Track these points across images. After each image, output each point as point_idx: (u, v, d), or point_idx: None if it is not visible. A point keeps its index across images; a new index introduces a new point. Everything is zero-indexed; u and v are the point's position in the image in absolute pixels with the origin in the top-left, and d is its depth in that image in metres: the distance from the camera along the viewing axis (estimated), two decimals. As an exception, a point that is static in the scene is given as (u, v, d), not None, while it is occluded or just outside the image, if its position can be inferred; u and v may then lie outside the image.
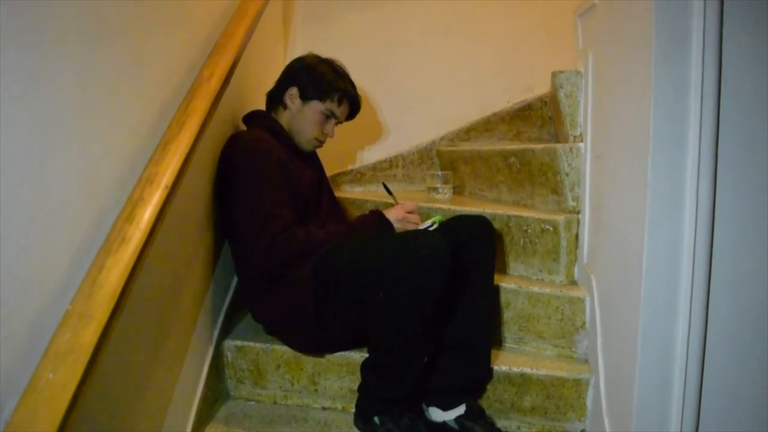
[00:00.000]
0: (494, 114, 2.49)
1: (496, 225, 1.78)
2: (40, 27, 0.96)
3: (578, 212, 1.69)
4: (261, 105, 1.83)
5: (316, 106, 1.72)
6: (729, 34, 1.02)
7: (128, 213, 1.11)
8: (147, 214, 1.12)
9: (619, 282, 1.32)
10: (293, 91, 1.73)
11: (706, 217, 1.05)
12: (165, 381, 1.36)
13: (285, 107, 1.75)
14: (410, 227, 1.65)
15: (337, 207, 1.90)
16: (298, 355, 1.62)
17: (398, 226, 1.65)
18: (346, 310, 1.49)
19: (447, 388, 1.53)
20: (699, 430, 1.10)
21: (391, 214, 1.65)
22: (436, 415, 1.52)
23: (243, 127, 1.79)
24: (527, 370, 1.55)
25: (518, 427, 1.57)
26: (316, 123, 1.73)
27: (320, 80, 1.72)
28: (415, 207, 1.71)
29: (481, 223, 1.63)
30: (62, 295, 0.98)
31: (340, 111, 1.76)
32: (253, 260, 1.55)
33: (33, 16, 0.94)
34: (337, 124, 1.79)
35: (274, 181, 1.56)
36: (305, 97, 1.72)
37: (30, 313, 0.93)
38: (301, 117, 1.73)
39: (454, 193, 2.21)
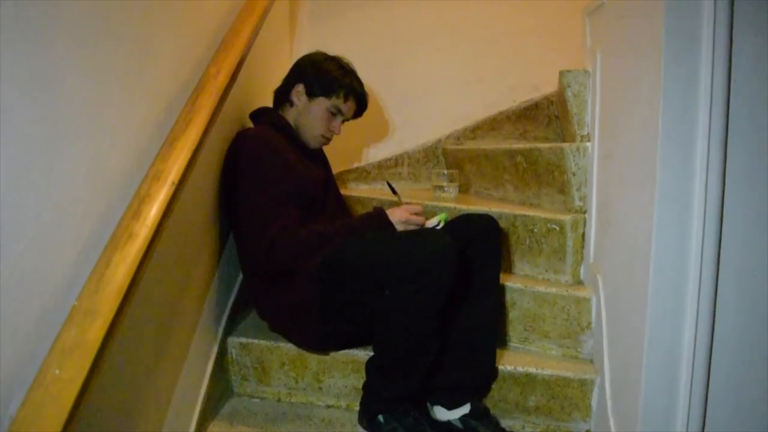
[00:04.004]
0: (500, 113, 2.48)
1: (502, 224, 1.77)
2: (49, 23, 0.96)
3: (585, 212, 1.69)
4: (267, 102, 1.83)
5: (322, 103, 1.72)
6: (739, 34, 1.01)
7: (135, 209, 1.12)
8: (154, 211, 1.13)
9: (625, 282, 1.31)
10: (299, 87, 1.73)
11: (714, 217, 1.04)
12: (170, 377, 1.36)
13: (292, 104, 1.75)
14: (413, 228, 1.62)
15: (343, 206, 1.89)
16: (303, 352, 1.62)
17: (400, 228, 1.60)
18: (352, 308, 1.49)
19: (452, 387, 1.53)
20: (705, 431, 1.09)
21: (395, 216, 1.60)
22: (441, 414, 1.52)
23: (250, 124, 1.79)
24: (532, 370, 1.55)
25: (523, 427, 1.57)
26: (323, 120, 1.73)
27: (326, 77, 1.72)
28: (420, 209, 1.66)
29: (487, 222, 1.62)
30: (69, 291, 0.99)
31: (347, 107, 1.76)
32: (255, 258, 1.55)
33: (41, 12, 0.94)
34: (344, 121, 1.78)
35: (279, 178, 1.56)
36: (311, 94, 1.72)
37: (36, 309, 0.93)
38: (308, 114, 1.73)
39: (459, 191, 2.21)
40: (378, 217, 1.61)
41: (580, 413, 1.53)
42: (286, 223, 1.50)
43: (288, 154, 1.62)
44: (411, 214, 1.62)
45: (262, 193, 1.53)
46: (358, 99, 1.78)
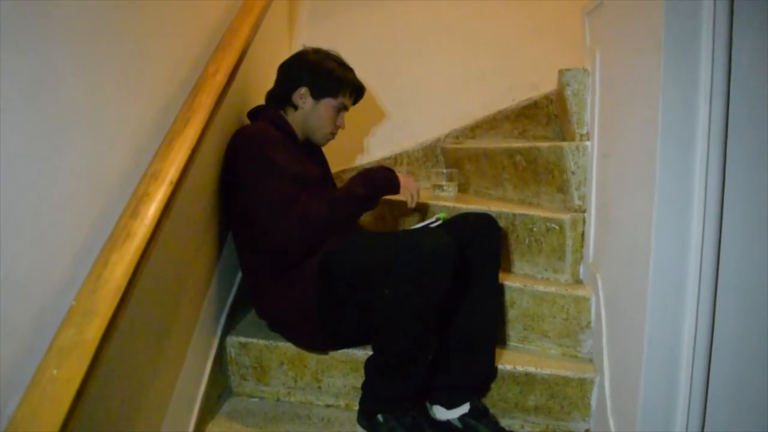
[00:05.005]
0: (500, 112, 2.47)
1: (502, 223, 1.77)
2: (47, 23, 0.96)
3: (584, 211, 1.69)
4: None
5: (329, 103, 1.73)
6: (738, 33, 1.01)
7: (133, 208, 1.11)
8: (152, 210, 1.12)
9: (625, 281, 1.31)
10: (302, 91, 1.71)
11: (713, 217, 1.04)
12: (168, 377, 1.36)
13: (296, 108, 1.74)
14: (407, 196, 1.73)
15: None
16: (302, 352, 1.62)
17: (402, 182, 1.71)
18: (351, 307, 1.49)
19: (451, 386, 1.53)
20: (704, 431, 1.09)
21: (402, 177, 1.72)
22: (440, 413, 1.52)
23: (248, 123, 1.79)
24: (531, 369, 1.55)
25: (522, 426, 1.57)
26: (331, 118, 1.75)
27: (329, 77, 1.72)
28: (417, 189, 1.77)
29: (486, 221, 1.62)
30: (66, 291, 0.98)
31: (350, 102, 1.80)
32: (280, 242, 1.52)
33: (39, 12, 0.94)
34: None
35: (284, 165, 1.55)
36: (316, 96, 1.72)
37: (34, 309, 0.93)
38: (315, 115, 1.73)
39: (459, 191, 2.20)
40: (386, 170, 1.71)
41: (580, 412, 1.53)
42: (305, 202, 1.52)
43: (286, 151, 1.62)
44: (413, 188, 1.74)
45: (271, 181, 1.52)
46: (359, 91, 1.82)
